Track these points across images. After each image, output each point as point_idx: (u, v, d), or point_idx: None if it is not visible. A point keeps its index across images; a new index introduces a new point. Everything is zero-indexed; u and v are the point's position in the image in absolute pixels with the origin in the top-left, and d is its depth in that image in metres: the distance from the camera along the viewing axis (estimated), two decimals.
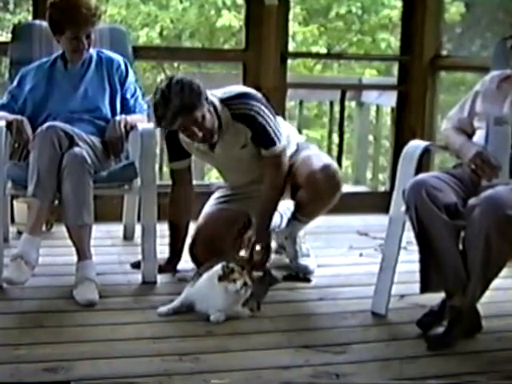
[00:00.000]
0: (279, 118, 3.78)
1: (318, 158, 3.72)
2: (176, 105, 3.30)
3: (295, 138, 3.85)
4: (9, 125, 3.53)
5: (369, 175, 6.85)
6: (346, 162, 7.21)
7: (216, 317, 3.09)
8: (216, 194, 3.91)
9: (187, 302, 3.17)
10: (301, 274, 3.70)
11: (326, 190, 3.61)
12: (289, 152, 3.72)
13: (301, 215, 3.75)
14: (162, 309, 3.17)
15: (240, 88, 3.70)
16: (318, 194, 3.60)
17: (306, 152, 3.75)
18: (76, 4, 3.60)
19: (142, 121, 3.70)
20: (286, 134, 3.73)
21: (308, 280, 3.66)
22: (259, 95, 3.58)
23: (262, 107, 3.50)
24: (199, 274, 3.21)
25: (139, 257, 3.62)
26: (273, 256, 3.83)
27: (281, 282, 3.57)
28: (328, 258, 4.07)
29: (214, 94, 3.51)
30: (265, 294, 3.31)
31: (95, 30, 3.73)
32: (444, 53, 5.40)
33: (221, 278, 3.06)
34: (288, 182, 3.67)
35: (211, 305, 3.11)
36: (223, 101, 3.49)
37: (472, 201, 2.89)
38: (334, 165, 3.73)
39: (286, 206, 3.86)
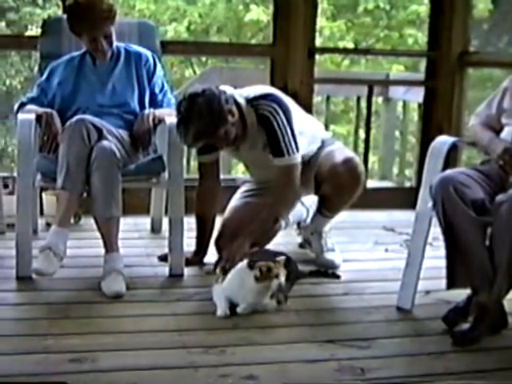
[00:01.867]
0: (306, 116, 3.79)
1: (341, 151, 3.74)
2: (196, 131, 3.33)
3: (321, 135, 3.85)
4: (38, 118, 3.55)
5: (395, 171, 6.84)
6: (372, 158, 7.20)
7: (242, 308, 3.11)
8: (242, 188, 3.93)
9: (228, 299, 3.15)
10: (329, 270, 3.70)
11: (348, 182, 3.62)
12: (314, 147, 3.73)
13: (325, 209, 3.76)
14: (221, 313, 3.11)
15: (267, 89, 3.69)
16: (340, 187, 3.62)
17: (329, 147, 3.76)
18: (89, 7, 3.62)
19: (170, 115, 3.70)
20: (312, 131, 3.74)
21: (337, 276, 3.66)
22: (283, 100, 3.56)
23: (281, 113, 3.47)
24: (224, 273, 3.22)
25: (166, 250, 3.64)
26: (299, 251, 3.86)
27: (307, 277, 3.57)
28: (353, 253, 4.07)
29: (242, 95, 3.52)
30: (291, 287, 3.32)
31: (118, 25, 3.75)
32: (471, 49, 5.37)
33: (258, 279, 3.07)
34: (312, 176, 3.68)
35: (242, 301, 3.12)
36: (250, 100, 3.50)
37: (500, 197, 2.88)
38: (356, 158, 3.73)
39: (311, 201, 3.87)
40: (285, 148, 3.48)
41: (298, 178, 3.55)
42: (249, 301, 3.11)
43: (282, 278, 3.07)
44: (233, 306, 3.13)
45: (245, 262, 3.12)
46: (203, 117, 3.31)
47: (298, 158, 3.52)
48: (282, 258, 3.14)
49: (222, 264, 3.36)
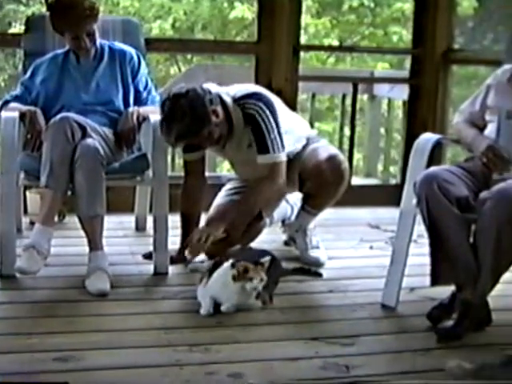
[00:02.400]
0: (291, 113, 3.79)
1: (325, 149, 3.74)
2: (179, 131, 3.33)
3: (306, 132, 3.86)
4: (22, 116, 3.54)
5: (380, 168, 6.85)
6: (357, 155, 7.20)
7: (227, 307, 3.10)
8: (227, 186, 3.93)
9: (212, 299, 3.15)
10: (312, 268, 3.70)
11: (332, 180, 3.63)
12: (299, 145, 3.73)
13: (309, 207, 3.77)
14: (204, 311, 3.11)
15: (253, 87, 3.69)
16: (324, 184, 3.63)
17: (314, 145, 3.77)
18: (71, 5, 3.62)
19: (155, 112, 3.69)
20: (297, 129, 3.74)
21: (319, 275, 3.66)
22: (269, 98, 3.56)
23: (267, 111, 3.48)
24: (208, 273, 3.21)
25: (151, 248, 3.63)
26: (283, 248, 3.87)
27: (290, 274, 3.57)
28: (338, 250, 4.08)
29: (229, 93, 3.51)
30: (275, 286, 3.32)
31: (102, 23, 3.75)
32: (456, 46, 5.39)
33: (235, 278, 3.06)
34: (296, 174, 3.68)
35: (226, 301, 3.12)
36: (236, 100, 3.50)
37: (483, 194, 2.89)
38: (340, 155, 3.75)
39: (295, 198, 3.88)
40: (270, 145, 3.48)
41: (283, 176, 3.54)
42: (232, 301, 3.10)
43: (255, 282, 3.05)
44: (217, 304, 3.12)
45: (230, 261, 3.11)
46: (186, 118, 3.31)
47: (283, 156, 3.52)
48: (267, 259, 3.13)
49: (186, 243, 3.44)
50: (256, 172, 3.61)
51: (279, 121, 3.51)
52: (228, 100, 3.48)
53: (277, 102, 3.64)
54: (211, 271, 3.18)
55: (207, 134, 3.38)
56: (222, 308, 3.11)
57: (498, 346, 2.89)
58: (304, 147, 3.75)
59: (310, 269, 3.69)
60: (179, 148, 3.65)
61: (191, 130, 3.34)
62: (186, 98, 3.33)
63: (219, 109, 3.42)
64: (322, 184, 3.63)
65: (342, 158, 3.74)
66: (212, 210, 3.80)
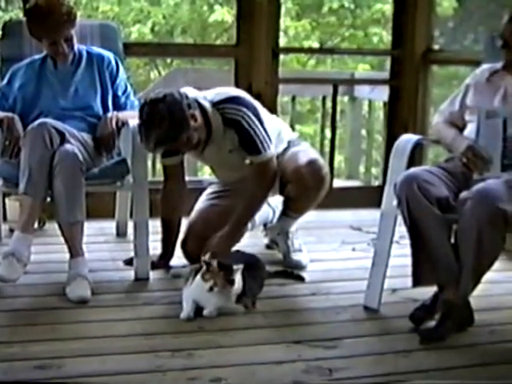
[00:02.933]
0: (271, 116, 3.78)
1: (305, 153, 3.73)
2: (157, 137, 3.30)
3: (287, 135, 3.85)
4: None
5: (362, 170, 6.85)
6: (338, 157, 7.20)
7: (209, 312, 3.10)
8: (208, 190, 3.91)
9: (194, 302, 3.15)
10: (294, 271, 3.69)
11: (312, 184, 3.62)
12: (280, 148, 3.72)
13: (290, 211, 3.76)
14: (184, 315, 3.11)
15: (232, 91, 3.66)
16: (304, 188, 3.62)
17: (295, 148, 3.76)
18: (49, 11, 3.58)
19: (134, 117, 3.66)
20: (277, 132, 3.73)
21: (301, 279, 3.65)
22: (250, 100, 3.55)
23: (250, 114, 3.46)
24: (193, 274, 3.19)
25: (132, 253, 3.61)
26: (265, 251, 3.87)
27: (272, 277, 3.55)
28: (320, 252, 4.07)
29: (206, 98, 3.49)
30: (260, 290, 3.30)
31: (80, 27, 3.72)
32: (436, 47, 5.39)
33: (203, 277, 3.08)
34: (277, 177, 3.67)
35: (206, 304, 3.11)
36: (215, 104, 3.48)
37: (464, 194, 2.89)
38: (320, 160, 3.74)
39: (277, 201, 3.86)
40: (261, 145, 3.46)
41: (272, 173, 3.54)
42: (212, 304, 3.10)
43: (207, 285, 3.05)
44: (199, 309, 3.11)
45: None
46: (164, 123, 3.28)
47: (273, 149, 3.52)
48: (236, 267, 3.12)
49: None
50: (238, 175, 3.60)
51: (262, 118, 3.50)
52: (206, 104, 3.46)
53: (258, 105, 3.62)
54: (197, 271, 3.17)
55: (186, 139, 3.36)
56: (205, 312, 3.10)
57: (480, 346, 2.89)
58: (285, 150, 3.74)
59: (292, 272, 3.67)
60: (158, 153, 3.61)
61: (170, 136, 3.32)
62: (164, 102, 3.30)
63: (197, 113, 3.40)
64: (302, 188, 3.62)
65: (322, 162, 3.73)
66: (193, 214, 3.78)
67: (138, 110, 3.38)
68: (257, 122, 3.46)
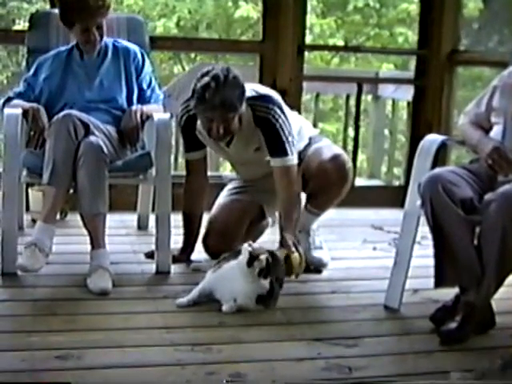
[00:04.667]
0: (293, 113, 3.77)
1: (329, 149, 3.72)
2: (226, 97, 3.28)
3: (308, 132, 3.84)
4: (25, 113, 3.53)
5: (384, 169, 6.83)
6: (361, 156, 7.19)
7: (228, 307, 3.09)
8: (229, 186, 3.91)
9: (206, 290, 3.16)
10: (312, 267, 3.69)
11: (336, 179, 3.61)
12: (301, 145, 3.71)
13: (312, 207, 3.74)
14: (181, 300, 3.16)
15: (264, 89, 3.65)
16: (327, 184, 3.61)
17: (317, 144, 3.75)
18: None
19: (158, 111, 3.69)
20: (299, 128, 3.72)
21: (319, 271, 3.64)
22: (280, 100, 3.55)
23: (282, 115, 3.46)
24: (220, 264, 3.20)
25: (153, 247, 3.62)
26: None
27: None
28: (341, 251, 4.07)
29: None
30: (280, 288, 3.28)
31: (107, 20, 3.72)
32: (461, 48, 5.37)
33: (249, 263, 3.07)
34: (299, 174, 3.66)
35: (228, 291, 3.11)
36: (247, 100, 3.46)
37: (488, 196, 2.87)
38: (344, 155, 3.72)
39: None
40: (288, 148, 3.46)
41: (296, 178, 3.54)
42: (236, 295, 3.09)
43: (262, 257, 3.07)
44: (216, 302, 3.12)
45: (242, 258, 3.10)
46: (236, 89, 3.30)
47: (296, 159, 3.52)
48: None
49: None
50: (259, 172, 3.60)
51: (290, 120, 3.49)
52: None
53: (282, 102, 3.61)
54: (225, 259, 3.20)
55: (233, 118, 3.35)
56: (224, 308, 3.10)
57: (501, 350, 2.87)
58: (306, 147, 3.73)
59: (309, 266, 3.67)
60: (202, 122, 3.47)
61: (236, 102, 3.31)
62: (235, 72, 3.34)
63: None
64: (325, 184, 3.61)
65: (346, 157, 3.72)
66: (214, 209, 3.79)
67: (203, 72, 3.33)
68: (287, 124, 3.46)
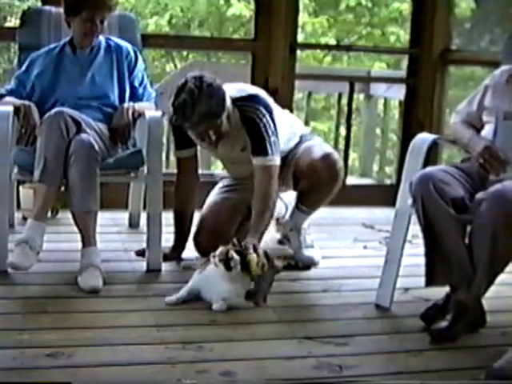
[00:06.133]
0: (283, 111, 3.77)
1: (319, 147, 3.72)
2: (204, 110, 3.27)
3: (299, 130, 3.84)
4: (16, 110, 3.52)
5: (375, 168, 6.84)
6: (352, 155, 7.20)
7: (218, 306, 3.10)
8: (220, 184, 3.91)
9: (194, 290, 3.17)
10: (300, 264, 3.69)
11: (326, 178, 3.61)
12: (292, 143, 3.72)
13: (303, 205, 3.75)
14: (170, 298, 3.17)
15: (251, 88, 3.66)
16: (318, 182, 3.61)
17: (308, 143, 3.75)
18: None
19: (150, 109, 3.69)
20: (289, 126, 3.72)
21: (307, 267, 3.65)
22: (268, 101, 3.54)
23: (268, 116, 3.44)
24: (206, 264, 3.20)
25: (144, 245, 3.62)
26: (277, 247, 3.87)
27: (280, 272, 3.55)
28: (332, 249, 4.07)
29: (227, 93, 3.48)
30: (270, 286, 3.29)
31: (109, 17, 3.72)
32: (453, 47, 5.38)
33: (227, 267, 3.07)
34: (290, 172, 3.68)
35: (215, 292, 3.12)
36: (235, 100, 3.46)
37: (479, 195, 2.88)
38: (335, 154, 3.72)
39: (290, 197, 3.86)
40: (269, 148, 3.44)
41: (277, 180, 3.51)
42: (222, 295, 3.10)
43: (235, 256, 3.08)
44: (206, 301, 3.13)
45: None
46: (213, 98, 3.27)
47: (278, 160, 3.50)
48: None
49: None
50: (249, 170, 3.59)
51: (276, 124, 3.49)
52: (229, 101, 3.44)
53: (270, 101, 3.61)
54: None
55: (220, 122, 3.34)
56: (214, 307, 3.10)
57: (491, 348, 2.88)
58: (297, 145, 3.74)
59: (297, 264, 3.67)
60: (195, 132, 3.45)
61: (216, 111, 3.29)
62: (208, 79, 3.30)
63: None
64: (316, 182, 3.61)
65: (337, 156, 3.72)
66: (205, 207, 3.79)
67: (178, 87, 3.31)
68: (272, 125, 3.45)
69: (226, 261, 3.07)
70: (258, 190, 3.47)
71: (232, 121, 3.44)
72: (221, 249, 3.12)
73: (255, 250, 3.20)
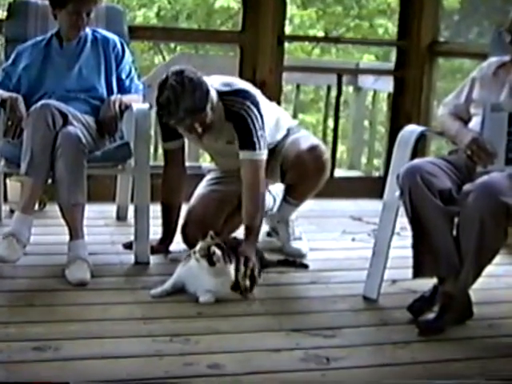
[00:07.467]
0: (271, 104, 3.76)
1: (306, 139, 3.73)
2: (188, 106, 3.24)
3: (286, 123, 3.83)
4: (3, 102, 3.51)
5: (364, 160, 6.84)
6: (341, 147, 7.20)
7: (206, 298, 3.09)
8: (208, 176, 3.90)
9: (179, 283, 3.17)
10: (297, 260, 3.69)
11: (313, 170, 3.62)
12: (279, 136, 3.71)
13: (291, 198, 3.76)
14: (155, 291, 3.17)
15: (239, 83, 3.62)
16: (305, 174, 3.62)
17: (295, 135, 3.76)
18: None
19: (137, 101, 3.68)
20: (276, 119, 3.72)
21: (305, 266, 3.65)
22: (255, 96, 3.52)
23: (255, 110, 3.42)
24: (189, 257, 3.20)
25: (132, 237, 3.61)
26: (265, 239, 3.87)
27: (275, 266, 3.56)
28: (321, 242, 4.07)
29: (213, 86, 3.46)
30: (259, 278, 3.29)
31: (96, 9, 3.70)
32: (441, 39, 5.38)
33: (210, 262, 3.07)
34: (277, 165, 3.67)
35: (200, 285, 3.12)
36: (221, 94, 3.45)
37: (467, 187, 2.88)
38: (321, 146, 3.73)
39: (278, 189, 3.86)
40: (257, 142, 3.43)
41: (264, 174, 3.50)
42: (207, 288, 3.10)
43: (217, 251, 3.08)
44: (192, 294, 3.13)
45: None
46: (196, 92, 3.24)
47: (265, 154, 3.49)
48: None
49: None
50: (236, 163, 3.59)
51: (264, 119, 3.48)
52: (213, 92, 3.43)
53: (258, 95, 3.60)
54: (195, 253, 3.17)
55: (205, 115, 3.32)
56: (200, 299, 3.10)
57: (478, 340, 2.89)
58: (284, 138, 3.73)
59: (295, 261, 3.67)
60: (182, 126, 3.41)
61: (200, 105, 3.26)
62: (191, 73, 3.27)
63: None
64: (303, 174, 3.62)
65: (324, 148, 3.73)
66: (193, 199, 3.78)
67: (161, 83, 3.28)
68: (259, 120, 3.43)
69: (209, 256, 3.06)
70: (246, 187, 3.46)
71: (216, 111, 3.42)
72: (201, 244, 3.12)
73: (246, 262, 3.21)
